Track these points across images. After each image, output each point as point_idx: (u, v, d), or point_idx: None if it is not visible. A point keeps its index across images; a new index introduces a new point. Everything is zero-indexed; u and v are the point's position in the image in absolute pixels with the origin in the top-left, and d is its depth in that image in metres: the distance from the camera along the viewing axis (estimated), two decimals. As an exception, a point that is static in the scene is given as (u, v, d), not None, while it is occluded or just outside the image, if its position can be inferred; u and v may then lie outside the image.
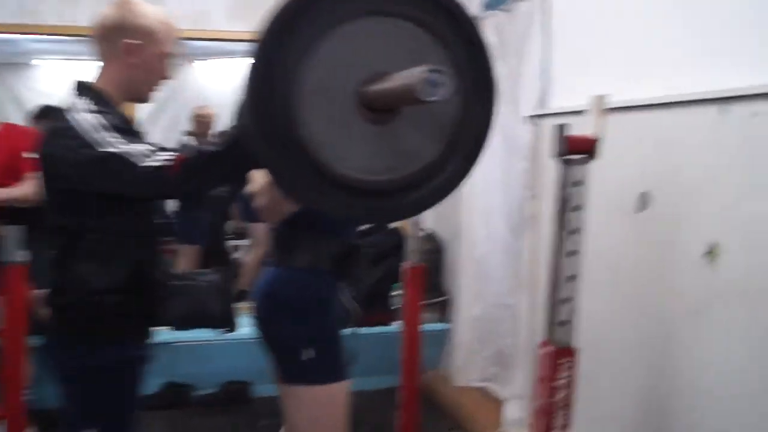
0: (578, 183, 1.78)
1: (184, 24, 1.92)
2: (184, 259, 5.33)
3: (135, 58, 1.85)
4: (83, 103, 1.78)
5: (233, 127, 1.53)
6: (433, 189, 1.47)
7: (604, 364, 2.57)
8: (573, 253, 1.81)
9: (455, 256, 4.04)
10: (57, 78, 6.74)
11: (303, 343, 1.90)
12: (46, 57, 6.80)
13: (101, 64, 1.89)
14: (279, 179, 1.43)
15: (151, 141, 1.71)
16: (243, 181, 1.91)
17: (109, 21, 1.86)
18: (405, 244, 4.14)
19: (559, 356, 1.83)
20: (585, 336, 2.72)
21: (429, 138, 1.42)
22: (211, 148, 1.57)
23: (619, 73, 2.54)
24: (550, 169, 2.97)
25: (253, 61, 1.36)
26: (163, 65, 1.90)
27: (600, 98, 1.80)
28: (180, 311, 3.90)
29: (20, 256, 2.49)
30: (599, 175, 2.60)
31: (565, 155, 1.78)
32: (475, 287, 3.76)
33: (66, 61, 6.69)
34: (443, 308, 4.11)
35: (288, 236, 1.98)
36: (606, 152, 2.57)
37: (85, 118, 1.71)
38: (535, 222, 3.19)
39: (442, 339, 4.07)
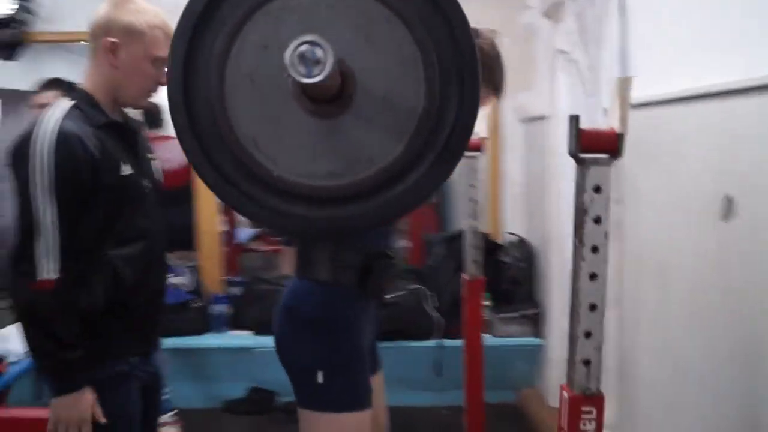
0: (598, 189, 1.42)
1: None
2: (287, 261, 5.26)
3: (115, 58, 1.76)
4: (60, 111, 1.70)
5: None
6: (393, 198, 1.22)
7: (687, 402, 2.20)
8: (594, 276, 1.46)
9: (545, 265, 3.67)
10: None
11: (319, 364, 1.71)
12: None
13: (89, 63, 1.81)
14: (205, 181, 1.27)
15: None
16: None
17: (97, 18, 1.79)
18: (497, 250, 3.86)
19: (579, 404, 1.49)
20: (665, 366, 2.37)
21: (387, 135, 1.19)
22: (58, 336, 1.63)
23: (705, 58, 2.15)
24: (634, 167, 2.61)
25: (173, 48, 1.23)
26: (152, 68, 1.78)
27: (624, 81, 1.44)
28: (264, 316, 3.80)
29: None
30: (676, 177, 2.27)
31: (582, 154, 1.43)
32: (566, 300, 3.37)
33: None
34: (536, 321, 3.74)
35: (308, 246, 1.78)
36: (684, 149, 2.21)
37: (46, 154, 1.63)
38: (620, 230, 2.79)
39: (536, 355, 3.72)
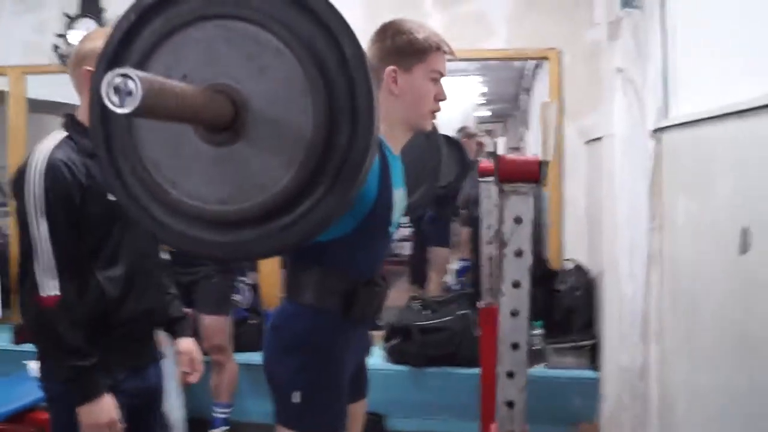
0: (519, 219, 1.34)
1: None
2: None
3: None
4: (53, 141, 1.83)
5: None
6: (284, 226, 1.22)
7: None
8: (515, 313, 1.37)
9: (600, 294, 3.48)
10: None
11: (296, 385, 1.74)
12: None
13: (80, 96, 1.93)
14: (120, 202, 1.33)
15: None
16: None
17: (76, 49, 1.90)
18: (552, 277, 3.71)
19: (503, 447, 1.40)
20: (697, 403, 2.20)
21: (277, 163, 1.19)
22: (67, 351, 1.74)
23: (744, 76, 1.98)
24: (675, 193, 2.44)
25: (95, 76, 1.29)
26: None
27: (546, 106, 1.35)
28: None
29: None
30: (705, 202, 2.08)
31: (503, 183, 1.35)
32: (621, 332, 3.18)
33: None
34: (594, 353, 3.55)
35: (296, 269, 1.81)
36: (714, 172, 2.04)
37: (38, 182, 1.76)
38: (660, 260, 2.62)
39: (592, 388, 3.52)
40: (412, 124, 1.82)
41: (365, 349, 1.99)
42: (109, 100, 0.92)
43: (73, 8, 4.26)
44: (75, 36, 4.18)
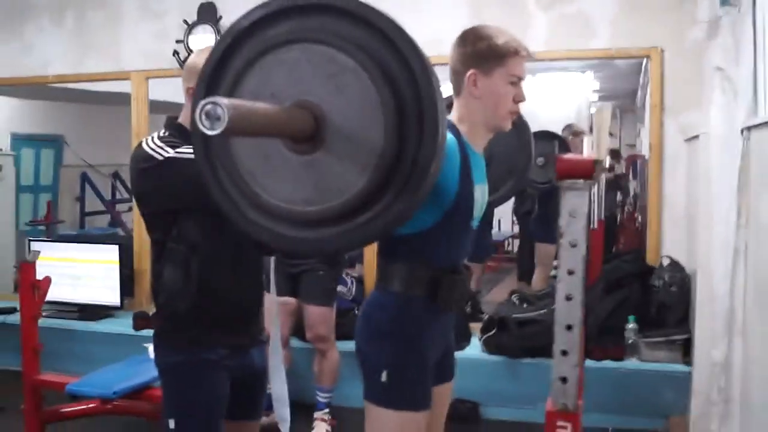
0: (574, 213, 1.50)
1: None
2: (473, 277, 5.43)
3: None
4: (160, 133, 2.07)
5: None
6: (359, 225, 1.40)
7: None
8: (569, 297, 1.53)
9: (694, 290, 3.51)
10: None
11: (385, 366, 1.90)
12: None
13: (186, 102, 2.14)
14: (222, 208, 1.52)
15: None
16: None
17: (187, 64, 2.13)
18: (649, 272, 3.76)
19: (555, 418, 1.56)
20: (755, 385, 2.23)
21: (353, 170, 1.36)
22: None
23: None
24: (761, 191, 2.49)
25: (197, 93, 1.48)
26: None
27: (600, 110, 1.49)
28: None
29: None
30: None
31: (560, 179, 1.51)
32: (713, 328, 3.22)
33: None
34: (687, 348, 3.59)
35: (385, 261, 2.00)
36: None
37: (150, 141, 2.02)
38: (746, 257, 2.66)
39: (685, 383, 3.56)
40: (492, 125, 1.93)
41: (451, 335, 2.12)
42: (202, 123, 1.11)
43: (192, 16, 4.57)
44: (194, 41, 4.52)
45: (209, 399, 2.08)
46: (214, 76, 1.47)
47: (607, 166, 7.61)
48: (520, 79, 1.90)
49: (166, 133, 2.06)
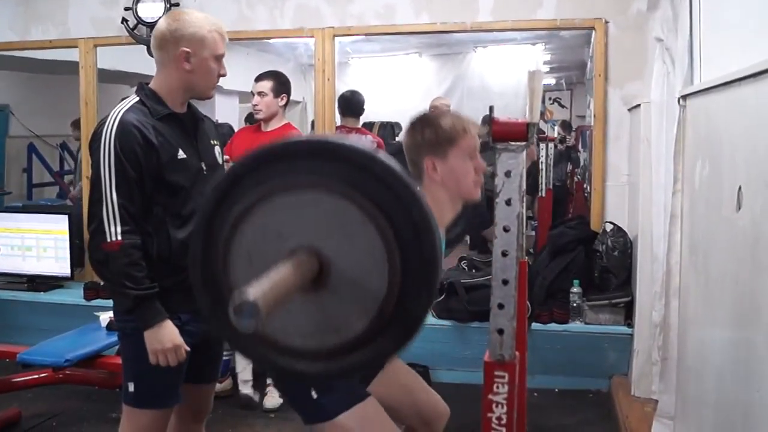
0: (508, 173, 1.56)
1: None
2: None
3: (189, 63, 2.11)
4: (126, 104, 2.10)
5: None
6: (355, 361, 1.44)
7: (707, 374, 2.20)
8: (505, 253, 1.60)
9: (635, 254, 3.64)
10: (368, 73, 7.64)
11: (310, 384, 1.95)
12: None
13: (158, 68, 2.18)
14: (213, 327, 1.54)
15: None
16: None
17: (161, 31, 2.13)
18: (593, 237, 3.88)
19: (493, 369, 1.63)
20: (708, 358, 2.35)
21: (353, 313, 1.39)
22: (130, 284, 1.99)
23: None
24: (694, 158, 2.59)
25: (197, 224, 1.49)
26: (216, 65, 2.16)
27: (534, 74, 1.55)
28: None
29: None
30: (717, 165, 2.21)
31: (495, 141, 1.57)
32: (652, 290, 3.35)
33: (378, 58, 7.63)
34: (629, 311, 3.72)
35: None
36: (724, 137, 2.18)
37: (110, 132, 2.04)
38: (681, 221, 2.77)
39: (627, 344, 3.71)
40: (460, 199, 2.02)
41: None
42: (237, 323, 1.14)
43: (141, -17, 4.50)
44: (143, 9, 4.47)
45: (172, 367, 2.10)
46: (216, 211, 1.46)
47: (558, 137, 7.78)
48: (476, 151, 1.99)
49: (136, 99, 2.11)
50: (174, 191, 2.11)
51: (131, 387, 2.13)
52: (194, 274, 1.49)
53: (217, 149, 2.32)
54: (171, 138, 2.11)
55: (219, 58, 2.15)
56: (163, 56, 2.13)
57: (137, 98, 2.13)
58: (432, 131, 1.96)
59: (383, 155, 1.36)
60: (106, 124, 2.06)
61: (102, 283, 4.39)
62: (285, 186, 1.40)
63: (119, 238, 2.01)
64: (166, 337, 2.05)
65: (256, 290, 1.16)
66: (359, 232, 1.36)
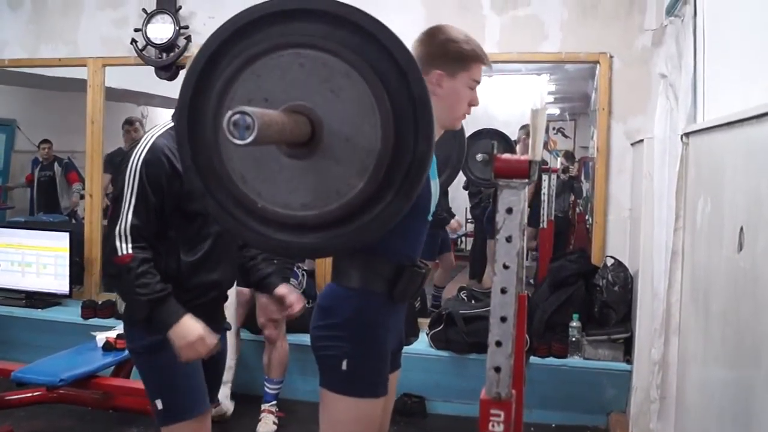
0: (510, 210, 1.56)
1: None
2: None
3: None
4: (159, 130, 2.15)
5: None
6: (360, 226, 1.43)
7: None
8: (504, 290, 1.59)
9: (636, 290, 3.62)
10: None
11: (344, 355, 1.93)
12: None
13: None
14: (209, 209, 1.53)
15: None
16: None
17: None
18: (593, 271, 3.86)
19: (489, 407, 1.61)
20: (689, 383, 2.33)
21: (351, 173, 1.38)
22: (149, 279, 2.02)
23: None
24: (696, 195, 2.59)
25: (178, 108, 1.48)
26: None
27: (536, 112, 1.55)
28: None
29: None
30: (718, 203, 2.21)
31: (497, 178, 1.57)
32: (652, 327, 3.32)
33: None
34: (628, 346, 3.70)
35: (342, 256, 2.02)
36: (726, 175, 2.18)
37: (139, 155, 2.08)
38: (682, 259, 2.77)
39: (625, 380, 3.67)
40: (446, 124, 1.98)
41: (403, 325, 2.18)
42: (230, 134, 1.13)
43: (152, 5, 4.56)
44: (152, 31, 4.51)
45: (191, 372, 2.14)
46: (200, 82, 1.46)
47: (561, 168, 7.78)
48: (478, 84, 1.97)
49: (171, 124, 2.11)
50: (191, 218, 2.14)
51: (159, 404, 2.15)
52: (183, 152, 1.48)
53: None
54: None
55: None
56: None
57: (171, 123, 2.12)
58: (453, 47, 1.91)
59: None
60: (138, 147, 2.10)
61: (100, 303, 4.41)
62: (263, 50, 1.38)
63: (130, 251, 2.04)
64: (189, 331, 2.05)
65: (251, 108, 1.15)
66: (345, 83, 1.34)
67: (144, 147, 2.09)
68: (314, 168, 1.37)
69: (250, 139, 1.14)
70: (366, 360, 1.94)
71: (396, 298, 1.96)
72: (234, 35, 1.43)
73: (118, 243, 2.04)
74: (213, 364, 2.28)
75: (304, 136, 1.35)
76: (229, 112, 1.14)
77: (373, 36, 1.36)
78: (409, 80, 1.37)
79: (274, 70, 1.38)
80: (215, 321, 2.28)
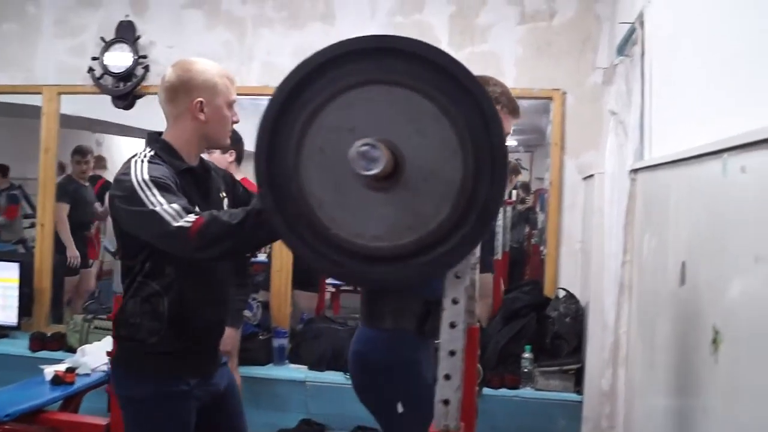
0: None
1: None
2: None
3: (202, 113, 2.02)
4: (145, 157, 1.96)
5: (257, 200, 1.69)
6: (431, 260, 1.46)
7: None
8: (453, 325, 1.61)
9: (587, 322, 3.69)
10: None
11: (397, 397, 1.96)
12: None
13: (170, 121, 2.06)
14: (278, 230, 1.52)
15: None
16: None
17: (171, 83, 2.03)
18: (545, 303, 3.93)
19: (437, 440, 1.64)
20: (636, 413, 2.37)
21: (430, 207, 1.42)
22: (226, 217, 1.74)
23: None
24: (643, 230, 2.66)
25: (261, 127, 1.48)
26: (229, 112, 2.07)
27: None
28: (319, 352, 4.11)
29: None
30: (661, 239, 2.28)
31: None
32: (602, 358, 3.39)
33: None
34: (579, 377, 3.75)
35: (372, 296, 2.04)
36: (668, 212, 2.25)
37: (140, 169, 1.90)
38: (630, 292, 2.83)
39: (577, 411, 3.72)
40: None
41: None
42: (357, 164, 1.22)
43: (110, 34, 4.56)
44: (110, 59, 4.51)
45: (183, 429, 2.05)
46: (285, 108, 1.48)
47: (517, 199, 7.89)
48: None
49: (151, 152, 1.99)
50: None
51: None
52: (259, 170, 1.47)
53: (226, 202, 2.20)
54: (190, 194, 1.97)
55: (231, 105, 2.06)
56: (176, 108, 2.02)
57: (151, 151, 1.99)
58: (506, 92, 2.19)
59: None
60: (132, 169, 1.90)
61: (49, 335, 4.35)
62: (356, 83, 1.41)
63: (192, 218, 1.78)
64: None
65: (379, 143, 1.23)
66: (432, 125, 1.39)
67: (140, 164, 1.90)
68: (393, 201, 1.41)
69: (375, 171, 1.21)
70: (418, 398, 1.96)
71: (427, 333, 1.98)
72: (323, 66, 1.45)
73: (178, 223, 1.77)
74: (219, 400, 2.17)
75: (388, 168, 1.38)
76: (359, 143, 1.22)
77: (457, 79, 1.41)
78: (491, 130, 1.42)
79: (363, 104, 1.42)
80: (214, 360, 2.16)
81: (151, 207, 1.81)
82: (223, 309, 2.17)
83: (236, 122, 2.10)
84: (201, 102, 1.99)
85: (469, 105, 1.41)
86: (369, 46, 1.45)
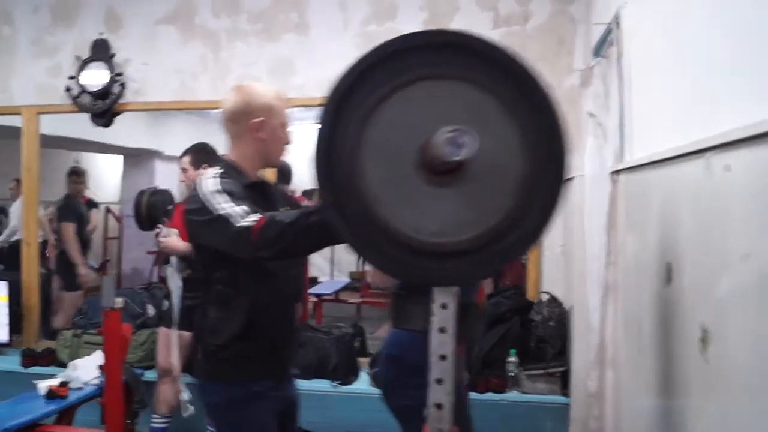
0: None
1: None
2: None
3: (262, 132, 2.17)
4: (214, 174, 2.11)
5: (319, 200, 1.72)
6: (492, 254, 1.46)
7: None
8: (443, 330, 1.61)
9: (571, 324, 3.70)
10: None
11: (423, 403, 1.91)
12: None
13: (232, 141, 2.23)
14: (335, 228, 1.50)
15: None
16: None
17: (233, 105, 2.20)
18: (529, 307, 3.93)
19: (432, 445, 1.63)
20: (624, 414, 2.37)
21: (494, 201, 1.42)
22: (282, 217, 1.84)
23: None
24: (625, 231, 2.67)
25: (319, 126, 1.48)
26: (284, 133, 2.23)
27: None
28: (303, 361, 4.08)
29: (117, 302, 3.08)
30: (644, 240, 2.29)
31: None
32: (588, 360, 3.39)
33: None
34: (565, 380, 3.76)
35: (404, 298, 2.02)
36: (652, 212, 2.26)
37: (210, 183, 2.05)
38: (615, 293, 2.84)
39: (564, 413, 3.72)
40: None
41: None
42: (444, 150, 1.22)
43: (85, 52, 4.55)
44: (86, 78, 4.50)
45: (268, 427, 2.18)
46: (342, 103, 1.47)
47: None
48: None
49: (221, 170, 2.12)
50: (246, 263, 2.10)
51: None
52: (318, 167, 1.47)
53: None
54: (259, 206, 2.03)
55: (285, 126, 2.23)
56: (238, 128, 2.20)
57: (221, 169, 2.15)
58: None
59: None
60: (202, 185, 2.07)
61: (40, 351, 4.38)
62: (416, 78, 1.41)
63: (255, 218, 1.87)
64: None
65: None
66: (494, 120, 1.39)
67: (212, 182, 2.05)
68: (453, 196, 1.41)
69: (461, 157, 1.23)
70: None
71: (459, 336, 1.96)
72: (385, 59, 1.45)
73: (243, 223, 1.87)
74: (290, 408, 2.34)
75: (451, 164, 1.38)
76: (445, 129, 1.23)
77: (517, 75, 1.43)
78: (553, 125, 1.44)
79: (423, 99, 1.41)
80: (286, 368, 2.31)
81: (218, 212, 1.95)
82: (295, 313, 2.28)
83: (288, 143, 2.25)
84: (261, 121, 2.15)
85: (530, 100, 1.42)
86: (431, 41, 1.44)
